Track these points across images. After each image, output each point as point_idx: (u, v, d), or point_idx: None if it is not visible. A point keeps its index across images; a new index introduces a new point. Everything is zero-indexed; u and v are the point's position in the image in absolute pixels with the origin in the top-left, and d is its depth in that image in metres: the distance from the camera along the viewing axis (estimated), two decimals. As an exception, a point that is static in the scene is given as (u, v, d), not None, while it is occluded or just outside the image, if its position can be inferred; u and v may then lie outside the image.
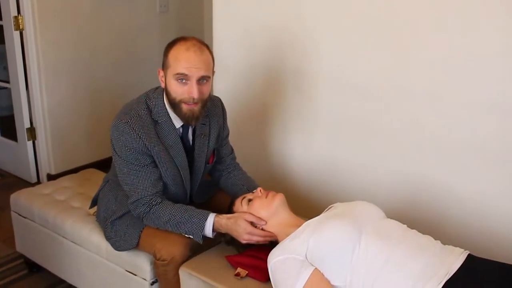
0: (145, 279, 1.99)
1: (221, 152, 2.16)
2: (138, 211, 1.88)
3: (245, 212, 1.82)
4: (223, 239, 1.93)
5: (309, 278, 1.54)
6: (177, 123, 1.89)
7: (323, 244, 1.57)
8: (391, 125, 2.20)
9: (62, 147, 3.56)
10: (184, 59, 1.76)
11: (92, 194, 2.27)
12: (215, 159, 2.12)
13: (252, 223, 1.79)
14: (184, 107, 1.81)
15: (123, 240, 1.99)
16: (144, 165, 1.85)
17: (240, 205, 1.87)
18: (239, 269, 1.80)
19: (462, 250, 1.57)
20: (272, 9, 2.45)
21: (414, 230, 1.66)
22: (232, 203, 1.94)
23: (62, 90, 3.47)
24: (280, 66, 2.50)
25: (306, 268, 1.56)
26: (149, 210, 1.86)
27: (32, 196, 2.46)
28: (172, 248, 1.86)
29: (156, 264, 1.90)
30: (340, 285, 1.55)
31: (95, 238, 2.13)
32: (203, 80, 1.80)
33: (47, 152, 3.53)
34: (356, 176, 2.38)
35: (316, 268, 1.56)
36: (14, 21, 3.26)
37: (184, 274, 1.85)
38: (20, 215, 2.47)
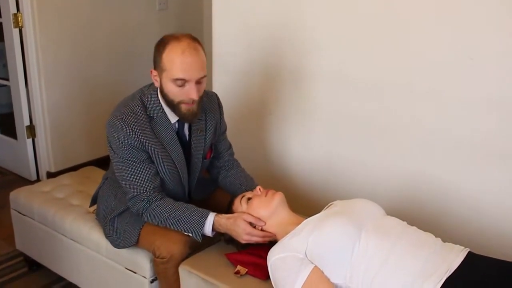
0: (144, 277, 1.99)
1: (219, 147, 2.15)
2: (136, 208, 1.88)
3: (244, 213, 1.81)
4: (222, 237, 1.93)
5: (308, 275, 1.54)
6: (173, 118, 1.89)
7: (323, 241, 1.57)
8: (391, 123, 2.20)
9: (61, 145, 3.56)
10: (182, 64, 1.73)
11: (92, 191, 2.27)
12: (212, 154, 2.11)
13: (251, 224, 1.79)
14: (183, 107, 1.81)
15: (123, 238, 1.99)
16: (140, 161, 1.85)
17: (240, 204, 1.87)
18: (239, 267, 1.80)
19: (462, 247, 1.57)
20: (271, 7, 2.45)
21: (414, 227, 1.66)
22: (231, 202, 1.94)
23: (61, 87, 3.47)
24: (279, 63, 2.49)
25: (306, 266, 1.56)
26: (149, 206, 1.86)
27: (32, 194, 2.46)
28: (171, 246, 1.85)
29: (156, 262, 1.90)
30: (340, 283, 1.55)
31: (94, 236, 2.12)
32: (201, 80, 1.79)
33: (47, 150, 3.53)
34: (356, 174, 2.38)
35: (315, 266, 1.56)
36: (13, 19, 3.26)
37: (184, 271, 1.85)
38: (20, 213, 2.47)
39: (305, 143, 2.53)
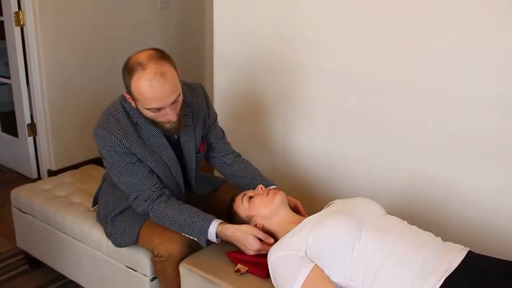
0: (145, 275, 1.99)
1: (210, 138, 2.12)
2: (141, 209, 1.88)
3: (252, 227, 1.80)
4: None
5: (309, 274, 1.54)
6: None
7: (323, 240, 1.57)
8: (392, 121, 2.20)
9: (62, 143, 3.56)
10: (152, 95, 1.67)
11: (93, 190, 2.27)
12: (206, 147, 2.09)
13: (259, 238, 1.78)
14: (165, 125, 1.79)
15: (123, 237, 1.99)
16: (132, 163, 1.84)
17: (241, 202, 1.87)
18: (239, 265, 1.80)
19: (463, 246, 1.57)
20: (272, 5, 2.45)
21: (414, 226, 1.66)
22: (232, 200, 1.93)
23: (62, 86, 3.47)
24: (280, 61, 2.49)
25: (306, 265, 1.56)
26: (152, 205, 1.85)
27: (33, 192, 2.46)
28: (169, 245, 1.86)
29: (154, 260, 1.91)
30: (340, 281, 1.55)
31: (95, 234, 2.13)
32: (176, 100, 1.74)
33: (48, 148, 3.54)
34: (357, 173, 2.38)
35: (316, 265, 1.56)
36: (15, 17, 3.26)
37: (184, 270, 1.85)
38: (21, 210, 2.47)
39: (306, 141, 2.53)
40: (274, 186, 2.05)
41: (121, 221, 2.00)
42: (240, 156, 2.21)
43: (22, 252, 2.64)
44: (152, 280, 1.99)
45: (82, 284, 2.31)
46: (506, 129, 1.91)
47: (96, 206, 2.19)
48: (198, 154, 2.04)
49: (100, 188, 2.16)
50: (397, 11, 2.06)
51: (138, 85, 1.68)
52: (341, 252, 1.55)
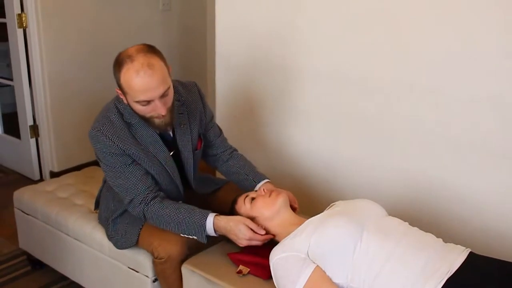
0: (147, 276, 1.99)
1: (208, 136, 2.12)
2: (137, 211, 1.88)
3: (245, 218, 1.81)
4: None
5: (310, 275, 1.54)
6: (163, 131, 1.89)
7: (324, 241, 1.57)
8: (392, 123, 2.20)
9: (65, 145, 3.57)
10: (139, 87, 1.68)
11: (95, 191, 2.28)
12: (203, 143, 2.09)
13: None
14: (156, 120, 1.79)
15: (124, 238, 2.00)
16: (127, 165, 1.85)
17: (243, 203, 1.87)
18: (241, 267, 1.80)
19: (464, 248, 1.57)
20: (273, 6, 2.45)
21: (415, 228, 1.66)
22: (234, 201, 1.94)
23: (65, 87, 3.48)
24: (281, 62, 2.50)
25: (307, 266, 1.56)
26: (147, 208, 1.85)
27: (35, 193, 2.47)
28: (169, 247, 1.86)
29: (155, 262, 1.91)
30: (341, 282, 1.55)
31: (98, 235, 2.13)
32: (165, 93, 1.74)
33: (50, 150, 3.54)
34: (358, 174, 2.38)
35: (317, 266, 1.56)
36: (17, 19, 3.28)
37: (186, 271, 1.86)
38: (23, 212, 2.48)
39: (307, 142, 2.53)
40: (266, 180, 2.06)
41: (122, 223, 2.01)
42: (236, 151, 2.21)
43: (24, 253, 2.64)
44: (154, 281, 1.99)
45: (84, 285, 2.31)
46: (506, 130, 1.91)
47: (98, 208, 2.20)
48: (196, 151, 2.04)
49: (101, 190, 2.17)
50: (397, 12, 2.07)
51: (126, 77, 1.69)
52: (342, 253, 1.55)
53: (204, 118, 2.08)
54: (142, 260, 1.99)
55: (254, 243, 1.79)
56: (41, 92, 3.40)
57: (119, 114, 1.85)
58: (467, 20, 1.91)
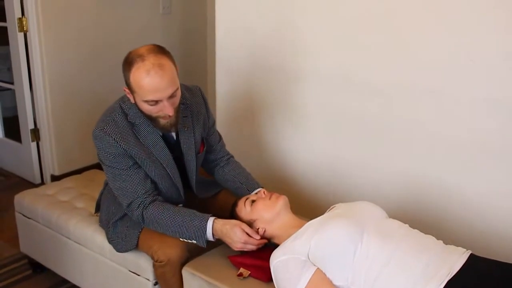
0: (148, 279, 1.99)
1: (210, 140, 2.14)
2: (135, 215, 1.88)
3: (241, 222, 1.82)
4: None
5: (311, 278, 1.54)
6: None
7: (325, 244, 1.57)
8: (392, 124, 2.20)
9: (65, 148, 3.58)
10: (149, 86, 1.69)
11: (96, 194, 2.28)
12: (205, 147, 2.10)
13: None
14: (161, 121, 1.80)
15: (124, 242, 2.00)
16: (127, 168, 1.85)
17: (243, 206, 1.88)
18: (241, 269, 1.80)
19: (464, 249, 1.57)
20: (273, 9, 2.46)
21: (416, 230, 1.66)
22: (235, 204, 1.94)
23: (66, 91, 3.49)
24: (282, 65, 2.50)
25: (308, 268, 1.56)
26: (145, 212, 1.85)
27: (36, 197, 2.47)
28: (168, 250, 1.86)
29: (155, 265, 1.91)
30: (342, 285, 1.55)
31: (98, 238, 2.13)
32: (173, 94, 1.75)
33: (51, 153, 3.55)
34: (358, 176, 2.38)
35: (318, 268, 1.56)
36: (18, 23, 3.28)
37: (187, 274, 1.86)
38: (24, 215, 2.48)
39: (307, 145, 2.54)
40: (259, 189, 2.07)
41: (122, 227, 2.01)
42: (233, 157, 2.23)
43: (25, 257, 2.64)
44: (155, 284, 1.99)
45: (85, 289, 2.32)
46: (507, 131, 1.91)
47: (99, 211, 2.20)
48: (198, 155, 2.05)
49: (101, 193, 2.17)
50: (398, 14, 2.07)
51: (136, 76, 1.70)
52: (343, 256, 1.55)
53: (207, 122, 2.09)
54: (143, 263, 1.99)
55: (248, 247, 1.79)
56: (42, 95, 3.41)
57: (123, 115, 1.86)
58: (467, 21, 1.91)
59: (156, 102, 1.73)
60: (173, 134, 1.95)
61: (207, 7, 4.13)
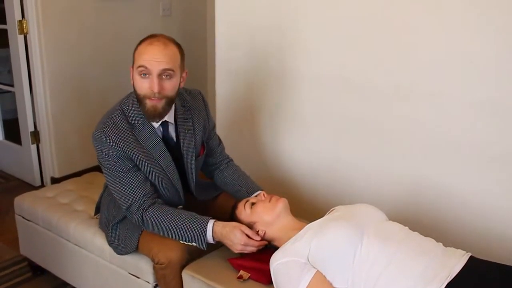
0: (148, 282, 1.99)
1: (210, 144, 2.14)
2: (135, 218, 1.88)
3: (241, 224, 1.82)
4: None
5: (311, 280, 1.55)
6: (156, 123, 1.90)
7: (325, 246, 1.57)
8: (392, 126, 2.20)
9: (65, 151, 3.58)
10: (146, 53, 1.77)
11: (96, 197, 2.28)
12: (205, 151, 2.11)
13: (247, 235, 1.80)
14: (148, 102, 1.81)
15: (124, 244, 2.00)
16: (127, 171, 1.86)
17: (243, 208, 1.88)
18: (241, 272, 1.80)
19: (464, 252, 1.57)
20: (273, 11, 2.46)
21: (415, 233, 1.66)
22: (235, 206, 1.94)
23: (66, 93, 3.49)
24: (281, 67, 2.51)
25: (308, 271, 1.56)
26: (145, 214, 1.86)
27: (36, 199, 2.47)
28: (169, 252, 1.86)
29: (155, 268, 1.91)
30: (342, 287, 1.55)
31: (98, 241, 2.13)
32: (166, 75, 1.78)
33: (51, 156, 3.55)
34: (358, 179, 2.38)
35: (318, 271, 1.56)
36: (18, 25, 3.29)
37: (187, 276, 1.86)
38: (24, 218, 2.48)
39: (307, 147, 2.54)
40: (259, 192, 2.07)
41: (122, 229, 2.01)
42: (232, 161, 2.23)
43: (25, 259, 2.64)
44: (155, 287, 1.99)
45: (85, 291, 2.31)
46: (507, 134, 1.91)
47: (99, 214, 2.20)
48: (198, 158, 2.05)
49: (102, 196, 2.17)
50: (397, 16, 2.07)
51: (141, 45, 1.81)
52: (342, 258, 1.55)
53: (207, 125, 2.09)
54: (143, 265, 1.99)
55: (248, 249, 1.79)
56: (42, 98, 3.41)
57: (124, 116, 1.87)
58: (467, 23, 1.91)
59: (147, 72, 1.76)
60: (173, 136, 1.96)
61: (207, 9, 4.14)
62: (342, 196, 2.43)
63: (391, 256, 1.52)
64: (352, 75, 2.27)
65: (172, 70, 1.79)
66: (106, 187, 2.14)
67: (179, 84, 1.87)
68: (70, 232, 2.25)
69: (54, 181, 3.47)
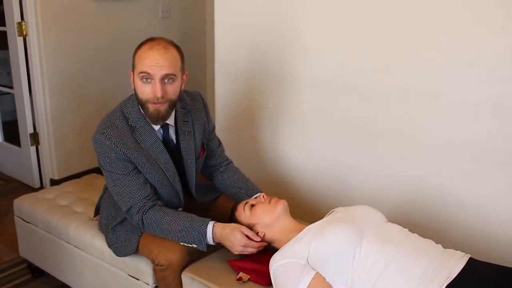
0: (147, 284, 1.99)
1: (210, 146, 2.15)
2: (135, 220, 1.89)
3: (241, 225, 1.82)
4: None
5: (310, 282, 1.55)
6: (156, 125, 1.90)
7: (324, 248, 1.57)
8: (391, 128, 2.20)
9: (65, 152, 3.58)
10: (147, 58, 1.76)
11: (95, 199, 2.28)
12: (205, 153, 2.11)
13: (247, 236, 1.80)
14: (151, 107, 1.81)
15: (124, 246, 2.00)
16: (127, 173, 1.86)
17: (243, 210, 1.88)
18: (241, 274, 1.80)
19: (463, 253, 1.57)
20: (273, 14, 2.47)
21: (415, 234, 1.66)
22: (234, 208, 1.94)
23: (65, 95, 3.49)
24: (281, 69, 2.51)
25: (307, 272, 1.56)
26: (145, 216, 1.86)
27: (35, 201, 2.47)
28: (169, 254, 1.86)
29: (155, 269, 1.91)
30: (341, 289, 1.55)
31: (98, 242, 2.13)
32: (168, 79, 1.79)
33: (50, 157, 3.55)
34: (357, 180, 2.38)
35: (317, 272, 1.57)
36: (17, 27, 3.29)
37: (187, 278, 1.86)
38: (24, 220, 2.48)
39: (307, 149, 2.54)
40: (259, 194, 2.06)
41: (122, 231, 2.01)
42: (232, 163, 2.23)
43: (24, 261, 2.64)
44: (154, 288, 2.00)
45: (84, 293, 2.31)
46: (507, 136, 1.91)
47: (98, 216, 2.20)
48: (198, 160, 2.05)
49: (101, 197, 2.17)
50: (397, 17, 2.08)
51: (141, 50, 1.81)
52: (342, 260, 1.55)
53: (207, 127, 2.10)
54: (142, 267, 1.99)
55: (249, 250, 1.79)
56: (41, 100, 3.41)
57: (124, 118, 1.87)
58: (467, 25, 1.91)
59: (149, 77, 1.77)
60: (173, 138, 1.96)
61: (206, 11, 4.14)
62: (341, 197, 2.43)
63: (390, 257, 1.52)
64: (352, 76, 2.27)
65: (174, 75, 1.80)
66: (105, 189, 2.14)
67: (180, 87, 1.87)
68: (70, 234, 2.24)
69: (54, 183, 3.46)
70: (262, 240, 1.81)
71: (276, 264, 1.63)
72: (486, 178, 2.00)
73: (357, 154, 2.35)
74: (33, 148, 3.57)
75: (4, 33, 3.40)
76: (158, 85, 1.77)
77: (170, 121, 1.92)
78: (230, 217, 1.94)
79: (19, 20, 3.29)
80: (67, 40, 3.41)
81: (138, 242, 1.96)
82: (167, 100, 1.81)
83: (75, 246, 2.24)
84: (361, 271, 1.52)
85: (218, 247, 1.93)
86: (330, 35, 2.29)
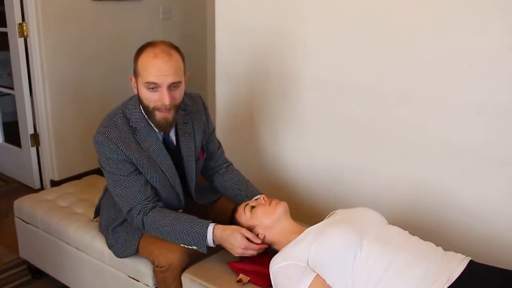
0: (147, 285, 1.99)
1: (210, 147, 2.15)
2: (135, 222, 1.89)
3: (241, 227, 1.82)
4: None
5: (310, 284, 1.55)
6: (165, 133, 1.90)
7: (324, 250, 1.57)
8: (392, 130, 2.20)
9: (65, 153, 3.58)
10: (153, 67, 1.75)
11: (95, 200, 2.28)
12: (205, 154, 2.11)
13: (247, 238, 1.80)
14: (158, 114, 1.81)
15: (124, 247, 2.00)
16: (128, 174, 1.86)
17: (243, 212, 1.88)
18: (241, 275, 1.80)
19: (464, 256, 1.57)
20: (273, 16, 2.47)
21: (415, 237, 1.66)
22: (234, 210, 1.94)
23: (65, 96, 3.49)
24: (281, 72, 2.51)
25: (308, 275, 1.56)
26: (146, 218, 1.86)
27: (36, 202, 2.47)
28: (169, 255, 1.86)
29: (155, 271, 1.91)
30: (341, 291, 1.55)
31: (98, 244, 2.13)
32: (174, 86, 1.79)
33: (51, 158, 3.55)
34: (358, 183, 2.38)
35: (317, 274, 1.56)
36: (18, 28, 3.29)
37: (187, 280, 1.86)
38: (24, 221, 2.48)
39: (307, 151, 2.54)
40: (259, 196, 2.06)
41: (122, 232, 2.01)
42: (232, 165, 2.23)
43: (24, 262, 2.64)
44: (154, 290, 2.00)
45: (84, 294, 2.31)
46: (508, 138, 1.91)
47: (98, 217, 2.20)
48: (198, 161, 2.05)
49: (101, 199, 2.17)
50: (397, 19, 2.08)
51: (144, 58, 1.78)
52: (342, 262, 1.55)
53: (207, 129, 2.10)
54: (142, 269, 1.99)
55: (249, 252, 1.79)
56: (42, 101, 3.41)
57: (125, 119, 1.87)
58: (467, 26, 1.91)
59: (155, 87, 1.76)
60: (173, 140, 1.96)
61: (207, 12, 4.14)
62: (341, 199, 2.43)
63: (390, 260, 1.52)
64: (352, 78, 2.27)
65: (180, 81, 1.80)
66: (106, 190, 2.14)
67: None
68: (70, 235, 2.24)
69: (54, 184, 3.46)
70: (263, 242, 1.81)
71: (276, 266, 1.62)
72: (487, 180, 1.99)
73: (357, 155, 2.35)
74: (33, 149, 3.57)
75: (5, 34, 3.41)
76: (165, 93, 1.76)
77: None
78: (230, 219, 1.94)
79: (20, 21, 3.29)
80: (68, 41, 3.42)
81: (138, 244, 1.96)
82: (173, 106, 1.81)
83: (75, 247, 2.24)
84: (361, 273, 1.52)
85: (218, 249, 1.93)
86: (331, 37, 2.29)
